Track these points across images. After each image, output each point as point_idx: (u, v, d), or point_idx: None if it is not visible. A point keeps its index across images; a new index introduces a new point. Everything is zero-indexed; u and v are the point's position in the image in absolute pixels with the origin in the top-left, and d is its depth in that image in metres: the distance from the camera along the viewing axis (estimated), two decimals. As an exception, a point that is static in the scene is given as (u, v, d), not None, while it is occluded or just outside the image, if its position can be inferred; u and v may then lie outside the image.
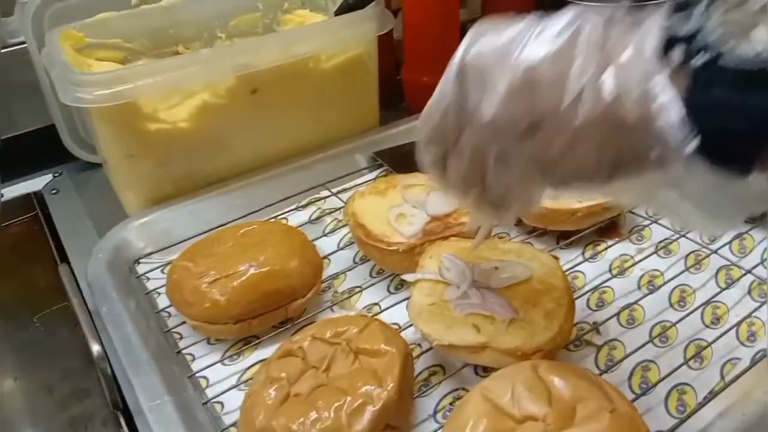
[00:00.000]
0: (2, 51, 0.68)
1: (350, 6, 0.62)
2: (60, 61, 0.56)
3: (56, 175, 0.69)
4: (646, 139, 0.27)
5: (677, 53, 0.26)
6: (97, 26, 0.64)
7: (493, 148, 0.32)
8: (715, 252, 0.51)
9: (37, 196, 0.67)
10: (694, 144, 0.25)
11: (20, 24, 0.72)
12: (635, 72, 0.27)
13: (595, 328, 0.46)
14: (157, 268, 0.54)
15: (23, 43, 0.66)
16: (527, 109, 0.30)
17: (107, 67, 0.63)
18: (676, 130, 0.26)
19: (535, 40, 0.29)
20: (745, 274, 0.49)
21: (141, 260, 0.55)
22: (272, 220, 0.57)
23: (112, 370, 0.43)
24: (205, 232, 0.55)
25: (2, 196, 0.65)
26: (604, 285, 0.49)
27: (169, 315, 0.49)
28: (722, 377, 0.42)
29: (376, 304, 0.50)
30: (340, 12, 0.62)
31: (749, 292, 0.48)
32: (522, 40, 0.30)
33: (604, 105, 0.28)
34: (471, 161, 0.33)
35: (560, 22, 0.29)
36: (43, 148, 0.69)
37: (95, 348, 0.41)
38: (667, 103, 0.26)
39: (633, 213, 0.56)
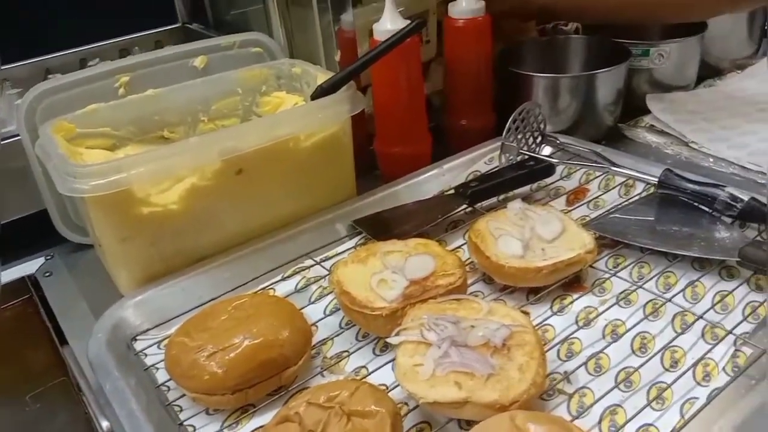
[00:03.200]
0: (-3, 143, 0.71)
1: (325, 90, 0.67)
2: (56, 153, 0.60)
3: (48, 258, 0.72)
4: None
5: None
6: (87, 117, 0.69)
7: None
8: (670, 300, 0.56)
9: (31, 279, 0.69)
10: None
11: (7, 114, 0.76)
12: None
13: (566, 377, 0.50)
14: (154, 344, 0.57)
15: (14, 135, 0.71)
16: None
17: (98, 155, 0.68)
18: None
19: None
20: (697, 319, 0.54)
21: (138, 337, 0.57)
22: (260, 291, 0.61)
23: (119, 446, 0.45)
24: (198, 306, 0.58)
25: (-1, 280, 0.68)
26: (572, 336, 0.54)
27: (168, 389, 0.52)
28: (682, 416, 0.46)
29: (363, 366, 0.53)
30: (315, 96, 0.68)
31: (702, 335, 0.52)
32: None
33: None
34: None
35: None
36: (35, 233, 0.72)
37: (104, 424, 0.44)
38: None
39: (594, 268, 0.60)
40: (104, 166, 0.57)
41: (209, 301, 0.59)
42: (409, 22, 0.70)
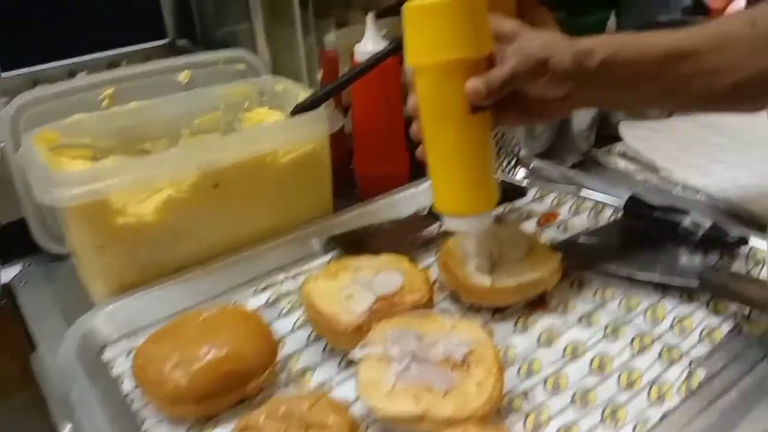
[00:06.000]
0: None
1: (304, 107, 0.69)
2: (36, 162, 0.61)
3: (25, 266, 0.73)
4: None
5: None
6: (70, 127, 0.70)
7: None
8: (630, 322, 0.57)
9: (7, 287, 0.70)
10: None
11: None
12: None
13: (524, 394, 0.51)
14: (123, 353, 0.57)
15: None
16: None
17: (79, 164, 0.69)
18: None
19: None
20: (655, 341, 0.55)
21: (108, 346, 0.58)
22: (231, 304, 0.62)
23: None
24: (169, 317, 0.59)
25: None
26: (532, 355, 0.55)
27: (134, 398, 0.52)
28: (634, 435, 0.47)
29: (327, 381, 0.54)
30: (295, 112, 0.69)
31: (659, 357, 0.54)
32: None
33: None
34: None
35: None
36: (13, 241, 0.73)
37: (67, 427, 0.44)
38: None
39: (558, 289, 0.62)
40: (82, 174, 0.59)
41: (180, 311, 0.60)
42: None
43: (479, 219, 0.56)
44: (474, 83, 0.51)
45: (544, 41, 0.52)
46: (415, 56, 0.52)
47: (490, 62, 0.53)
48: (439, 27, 0.50)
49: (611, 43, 0.54)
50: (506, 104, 0.55)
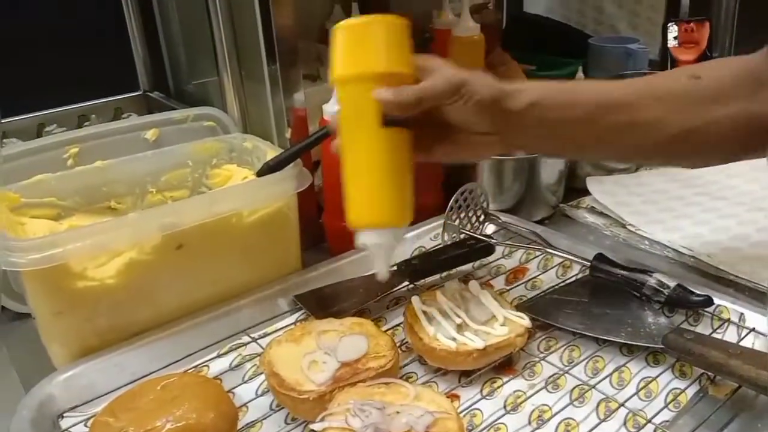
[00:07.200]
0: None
1: (271, 167, 0.69)
2: (-5, 226, 0.60)
3: (-15, 325, 0.71)
4: None
5: None
6: (32, 187, 0.70)
7: None
8: (594, 387, 0.57)
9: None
10: None
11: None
12: None
13: (488, 465, 0.50)
14: (81, 421, 0.56)
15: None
16: None
17: (41, 225, 0.68)
18: None
19: None
20: (620, 407, 0.55)
21: (65, 414, 0.57)
22: (192, 370, 0.60)
23: None
24: (130, 383, 0.58)
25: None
26: (498, 421, 0.54)
27: (89, 472, 0.51)
28: (598, 508, 0.46)
29: (289, 451, 0.53)
30: (262, 173, 0.69)
31: (624, 423, 0.53)
32: None
33: None
34: None
35: None
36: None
37: None
38: None
39: (525, 351, 0.62)
40: (41, 241, 0.58)
41: (142, 377, 0.59)
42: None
43: (388, 233, 0.56)
44: (383, 92, 0.52)
45: (466, 71, 0.54)
46: (333, 72, 0.55)
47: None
48: (352, 44, 0.54)
49: (541, 87, 0.55)
50: (432, 132, 0.56)
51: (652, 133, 0.55)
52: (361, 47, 0.54)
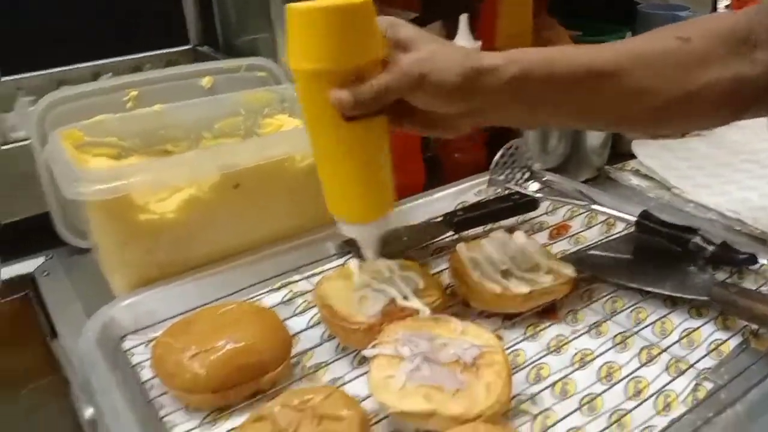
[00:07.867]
0: (5, 147, 0.75)
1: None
2: (62, 159, 0.63)
3: (48, 258, 0.75)
4: None
5: None
6: (94, 127, 0.72)
7: None
8: (637, 333, 0.58)
9: (29, 277, 0.72)
10: None
11: (20, 120, 0.80)
12: None
13: (532, 398, 0.52)
14: (142, 344, 0.59)
15: (24, 139, 0.74)
16: None
17: (103, 163, 0.71)
18: None
19: None
20: (662, 353, 0.56)
21: (127, 337, 0.60)
22: (248, 301, 0.63)
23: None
24: (186, 312, 0.61)
25: (-1, 276, 0.70)
26: (541, 361, 0.56)
27: (152, 386, 0.54)
28: (639, 442, 0.48)
29: (340, 377, 0.55)
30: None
31: (666, 368, 0.55)
32: None
33: None
34: None
35: None
36: (37, 234, 0.75)
37: (88, 411, 0.46)
38: None
39: (568, 298, 0.63)
40: (106, 172, 0.61)
41: (198, 307, 0.61)
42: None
43: (368, 226, 0.54)
44: (338, 94, 0.48)
45: (428, 56, 0.49)
46: (289, 59, 0.49)
47: (383, 67, 0.50)
48: (307, 33, 0.47)
49: (524, 58, 0.51)
50: (402, 113, 0.52)
51: (641, 101, 0.52)
52: (315, 38, 0.47)
